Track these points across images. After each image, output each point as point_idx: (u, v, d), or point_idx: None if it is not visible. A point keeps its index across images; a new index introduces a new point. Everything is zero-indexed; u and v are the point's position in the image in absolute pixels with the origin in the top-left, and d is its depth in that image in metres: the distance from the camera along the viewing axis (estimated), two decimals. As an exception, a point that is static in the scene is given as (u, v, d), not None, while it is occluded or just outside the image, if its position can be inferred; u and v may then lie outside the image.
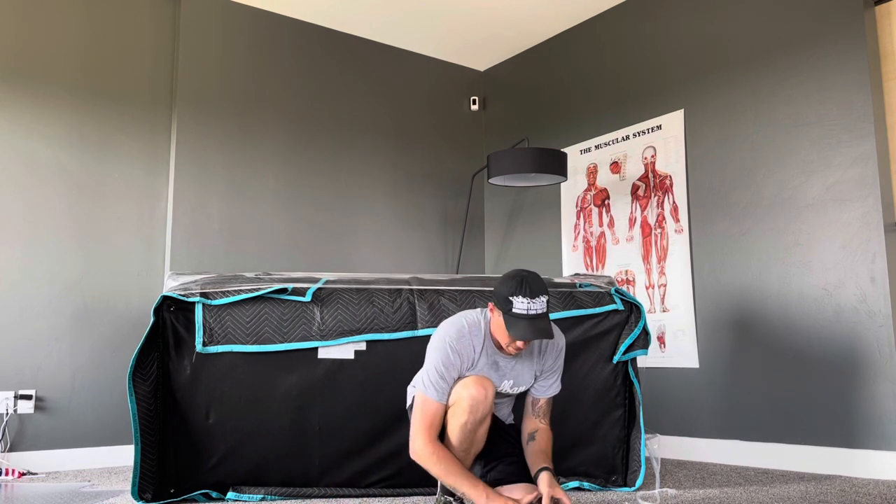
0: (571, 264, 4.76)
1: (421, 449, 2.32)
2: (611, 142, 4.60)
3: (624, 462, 3.11)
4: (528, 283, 2.29)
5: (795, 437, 3.54)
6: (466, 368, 2.40)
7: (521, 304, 2.26)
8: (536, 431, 2.50)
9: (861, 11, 3.48)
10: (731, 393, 3.82)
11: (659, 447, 2.70)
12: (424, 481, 2.72)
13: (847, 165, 3.48)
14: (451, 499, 2.53)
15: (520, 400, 2.66)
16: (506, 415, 2.62)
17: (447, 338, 2.39)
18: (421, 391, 2.39)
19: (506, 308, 2.29)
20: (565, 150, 4.86)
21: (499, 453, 2.48)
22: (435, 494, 2.58)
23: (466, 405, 2.30)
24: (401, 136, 5.17)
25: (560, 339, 2.57)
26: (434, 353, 2.40)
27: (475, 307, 3.05)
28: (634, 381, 3.09)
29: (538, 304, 2.27)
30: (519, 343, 2.33)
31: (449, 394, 2.36)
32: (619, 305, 3.13)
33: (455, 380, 2.37)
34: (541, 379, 2.53)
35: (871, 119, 3.41)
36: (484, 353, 2.41)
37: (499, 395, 2.52)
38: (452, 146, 5.42)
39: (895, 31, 3.49)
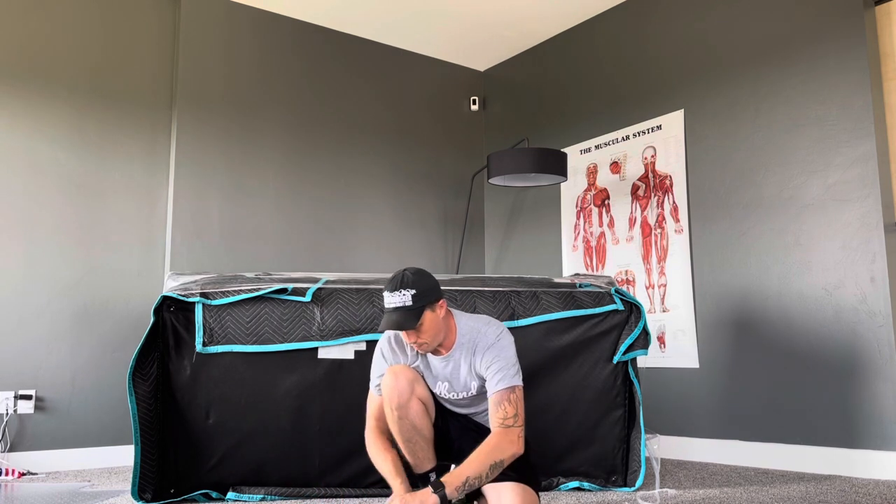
0: (571, 264, 4.76)
1: (365, 438, 2.49)
2: (611, 142, 4.60)
3: (624, 462, 3.11)
4: (397, 278, 2.38)
5: (795, 437, 3.54)
6: None
7: (386, 299, 2.38)
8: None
9: (861, 11, 3.48)
10: (731, 393, 3.82)
11: (659, 447, 2.70)
12: (424, 481, 2.72)
13: (847, 165, 3.48)
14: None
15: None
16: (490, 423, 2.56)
17: (386, 342, 2.54)
18: (370, 389, 2.55)
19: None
20: (565, 150, 4.86)
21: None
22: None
23: (385, 397, 2.43)
24: (401, 136, 5.17)
25: (490, 337, 2.41)
26: (374, 354, 2.57)
27: (475, 307, 3.05)
28: (634, 381, 3.09)
29: (396, 298, 2.34)
30: (408, 339, 2.39)
31: None
32: (619, 305, 3.13)
33: None
34: (484, 377, 2.41)
35: (871, 119, 3.41)
36: (418, 357, 2.50)
37: (452, 402, 2.52)
38: (452, 146, 5.42)
39: (895, 31, 3.49)
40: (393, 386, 2.40)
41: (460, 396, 2.49)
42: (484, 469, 2.21)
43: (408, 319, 2.32)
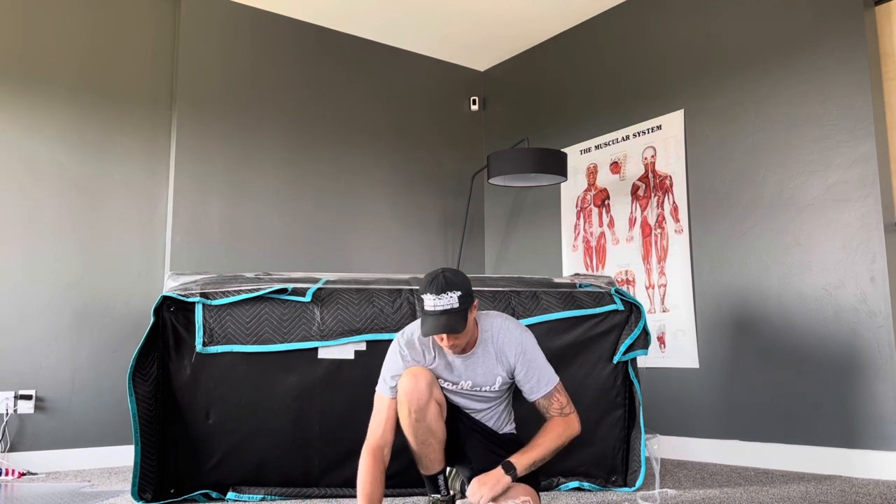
0: (571, 264, 4.76)
1: (362, 454, 2.38)
2: (611, 142, 4.60)
3: (624, 462, 3.11)
4: (439, 280, 2.32)
5: (795, 437, 3.54)
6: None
7: (429, 302, 2.32)
8: (547, 421, 2.47)
9: (861, 11, 3.48)
10: (731, 393, 3.82)
11: (659, 447, 2.69)
12: (423, 482, 2.72)
13: (847, 165, 3.48)
14: (439, 496, 2.53)
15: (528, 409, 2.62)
16: (496, 424, 2.57)
17: (401, 341, 2.50)
18: (378, 388, 2.50)
19: (421, 306, 2.37)
20: (565, 150, 4.86)
21: (479, 462, 2.46)
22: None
23: (403, 398, 2.40)
24: (401, 137, 5.17)
25: (515, 334, 2.47)
26: (388, 354, 2.52)
27: (475, 307, 3.05)
28: (634, 381, 3.09)
29: (444, 301, 2.29)
30: (444, 342, 2.35)
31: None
32: (619, 305, 3.13)
33: None
34: (519, 380, 2.48)
35: (871, 119, 3.41)
36: (438, 355, 2.47)
37: (470, 398, 2.51)
38: (452, 146, 5.42)
39: (895, 31, 3.49)
40: (413, 388, 2.38)
41: (483, 391, 2.50)
42: (549, 452, 2.38)
43: (458, 322, 2.30)
